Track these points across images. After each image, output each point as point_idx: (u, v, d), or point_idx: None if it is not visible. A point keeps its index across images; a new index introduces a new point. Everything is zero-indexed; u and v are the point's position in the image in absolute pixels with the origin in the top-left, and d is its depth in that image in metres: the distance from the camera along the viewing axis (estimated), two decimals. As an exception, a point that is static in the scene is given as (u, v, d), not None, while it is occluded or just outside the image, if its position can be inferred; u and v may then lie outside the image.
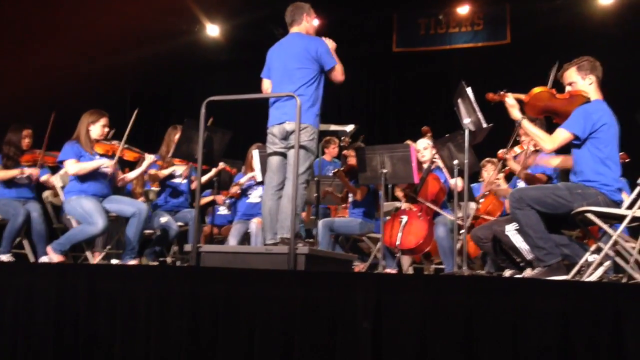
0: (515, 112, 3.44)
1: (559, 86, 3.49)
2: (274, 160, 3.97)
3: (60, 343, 3.10)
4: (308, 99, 3.86)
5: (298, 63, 3.90)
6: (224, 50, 8.88)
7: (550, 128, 3.55)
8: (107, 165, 4.45)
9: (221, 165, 5.34)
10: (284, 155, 3.94)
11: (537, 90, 3.39)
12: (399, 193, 5.49)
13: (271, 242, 3.81)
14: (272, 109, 4.00)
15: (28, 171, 4.94)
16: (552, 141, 3.31)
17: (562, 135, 3.30)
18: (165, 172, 5.13)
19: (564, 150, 3.47)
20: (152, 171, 5.10)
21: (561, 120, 3.40)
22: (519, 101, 3.44)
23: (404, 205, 5.10)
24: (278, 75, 4.00)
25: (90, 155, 4.49)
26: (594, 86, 3.38)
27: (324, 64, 3.93)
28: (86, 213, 4.29)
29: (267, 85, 4.13)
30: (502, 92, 3.49)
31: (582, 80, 3.38)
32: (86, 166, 4.44)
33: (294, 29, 4.10)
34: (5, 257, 4.74)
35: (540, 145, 3.40)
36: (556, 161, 3.75)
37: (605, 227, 3.21)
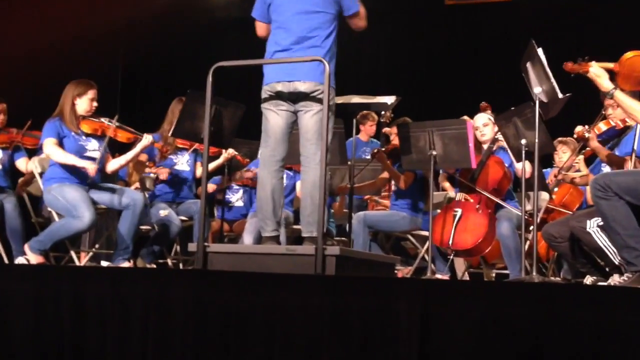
0: (604, 82, 3.39)
1: None
2: (277, 127, 3.82)
3: (42, 358, 3.16)
4: (327, 52, 3.77)
5: (315, 5, 3.78)
6: (235, 5, 8.89)
7: None
8: (90, 168, 4.40)
9: (231, 152, 5.34)
10: (290, 118, 3.82)
11: (629, 55, 3.34)
12: (443, 183, 5.44)
13: (273, 235, 3.73)
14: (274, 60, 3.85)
15: None
16: None
17: None
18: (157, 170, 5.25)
19: None
20: (144, 157, 5.11)
21: None
22: (608, 72, 3.40)
23: (458, 195, 5.07)
24: (286, 19, 3.82)
25: (76, 135, 4.54)
26: None
27: (345, 8, 3.83)
28: (70, 204, 4.35)
29: (262, 30, 3.97)
30: (583, 61, 3.44)
31: None
32: (66, 159, 4.44)
33: None
34: (-25, 258, 4.86)
35: (636, 119, 3.37)
36: None
37: None
